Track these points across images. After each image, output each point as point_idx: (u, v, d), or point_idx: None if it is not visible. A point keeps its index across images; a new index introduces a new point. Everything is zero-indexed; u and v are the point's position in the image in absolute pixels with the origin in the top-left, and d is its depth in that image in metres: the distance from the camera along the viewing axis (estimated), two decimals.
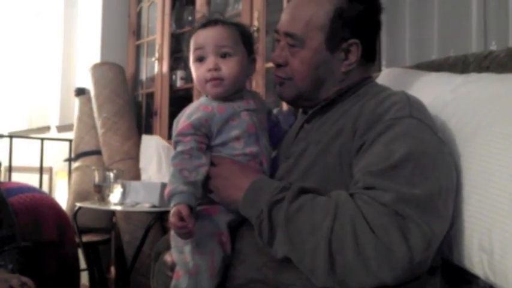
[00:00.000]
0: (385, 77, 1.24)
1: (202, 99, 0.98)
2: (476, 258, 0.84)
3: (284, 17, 1.00)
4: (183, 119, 0.94)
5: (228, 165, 0.92)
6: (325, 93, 0.98)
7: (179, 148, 0.91)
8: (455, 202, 0.87)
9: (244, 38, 0.97)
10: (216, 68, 0.94)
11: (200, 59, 0.95)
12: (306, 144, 0.94)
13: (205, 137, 0.93)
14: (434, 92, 1.04)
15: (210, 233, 0.90)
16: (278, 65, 1.00)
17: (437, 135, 0.86)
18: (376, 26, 1.00)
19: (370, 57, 1.00)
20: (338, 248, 0.76)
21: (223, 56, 0.94)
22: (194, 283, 0.88)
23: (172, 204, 0.87)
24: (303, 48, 0.96)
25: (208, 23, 0.96)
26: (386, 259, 0.74)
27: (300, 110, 1.07)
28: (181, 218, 0.84)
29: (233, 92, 0.96)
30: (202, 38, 0.95)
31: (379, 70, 1.33)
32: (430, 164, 0.80)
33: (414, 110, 0.86)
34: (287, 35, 0.97)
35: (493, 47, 1.63)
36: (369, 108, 0.88)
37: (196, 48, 0.95)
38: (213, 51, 0.94)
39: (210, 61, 0.94)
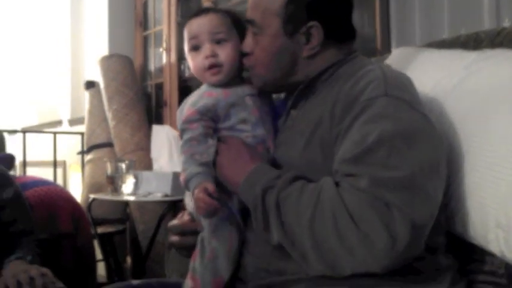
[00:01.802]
0: (395, 57, 1.22)
1: (204, 87, 0.98)
2: (492, 235, 0.83)
3: (248, 3, 0.98)
4: (187, 107, 0.94)
5: (237, 145, 0.92)
6: (295, 79, 0.96)
7: (187, 135, 0.92)
8: (467, 179, 0.85)
9: (236, 23, 0.97)
10: (213, 55, 0.94)
11: (196, 48, 0.95)
12: (293, 134, 0.93)
13: (211, 121, 0.93)
14: (447, 69, 1.02)
15: (227, 218, 0.90)
16: (246, 54, 0.97)
17: (417, 109, 0.82)
18: (342, 4, 0.96)
19: (343, 36, 0.96)
20: (321, 235, 0.76)
21: (218, 42, 0.94)
22: (212, 267, 0.89)
23: (192, 187, 0.87)
24: (262, 35, 0.94)
25: (199, 11, 0.97)
26: (369, 249, 0.73)
27: (282, 95, 1.05)
28: (209, 195, 0.84)
29: (232, 77, 0.97)
30: (195, 27, 0.95)
31: (389, 51, 1.31)
32: (408, 143, 0.77)
33: (390, 87, 0.83)
34: (248, 22, 0.96)
35: (506, 24, 1.60)
36: (345, 91, 0.86)
37: (190, 38, 0.95)
38: (208, 39, 0.94)
39: (206, 48, 0.94)
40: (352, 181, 0.77)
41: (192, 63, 0.96)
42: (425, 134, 0.81)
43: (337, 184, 0.79)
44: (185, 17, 1.01)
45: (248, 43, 0.96)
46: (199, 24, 0.95)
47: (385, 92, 0.82)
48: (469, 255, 0.91)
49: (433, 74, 0.98)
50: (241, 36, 0.97)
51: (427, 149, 0.79)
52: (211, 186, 0.85)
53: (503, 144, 0.83)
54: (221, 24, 0.95)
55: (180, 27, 2.76)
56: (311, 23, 0.91)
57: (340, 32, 0.95)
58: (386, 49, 1.73)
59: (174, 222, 1.01)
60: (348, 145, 0.80)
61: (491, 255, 0.86)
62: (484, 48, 1.07)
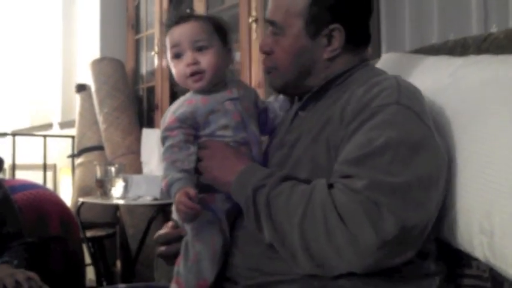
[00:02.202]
0: (384, 62, 1.23)
1: (188, 95, 1.00)
2: (476, 240, 0.83)
3: (269, 4, 1.00)
4: (169, 115, 0.96)
5: (221, 148, 0.93)
6: (312, 81, 0.97)
7: (168, 143, 0.93)
8: (453, 185, 0.86)
9: (218, 29, 0.98)
10: (195, 62, 0.95)
11: (178, 56, 0.96)
12: (299, 133, 0.94)
13: (191, 128, 0.94)
14: (434, 76, 1.03)
15: (210, 221, 0.91)
16: (265, 53, 1.00)
17: (425, 122, 0.84)
18: (364, 9, 0.98)
19: (360, 41, 0.98)
20: (311, 235, 0.76)
21: (200, 49, 0.95)
22: (195, 271, 0.89)
23: (174, 192, 0.88)
24: (284, 36, 0.95)
25: (180, 19, 0.97)
26: (355, 248, 0.74)
27: (296, 97, 1.07)
28: (189, 199, 0.85)
29: (215, 83, 0.98)
30: (177, 35, 0.96)
31: (379, 56, 1.32)
32: (411, 153, 0.79)
33: (402, 96, 0.84)
34: (270, 22, 0.97)
35: (493, 30, 1.61)
36: (357, 95, 0.87)
37: (172, 46, 0.96)
38: (189, 47, 0.95)
39: (188, 56, 0.95)
40: (348, 182, 0.77)
41: (175, 70, 0.97)
42: (430, 147, 0.82)
43: (331, 185, 0.80)
44: (167, 24, 1.02)
45: (267, 43, 0.98)
46: (180, 33, 0.96)
47: (396, 101, 0.83)
48: (455, 259, 0.92)
49: (420, 80, 0.99)
50: (223, 41, 0.99)
51: (430, 161, 0.81)
52: (192, 191, 0.86)
53: (488, 151, 0.84)
54: (202, 31, 0.96)
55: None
56: (334, 25, 0.93)
57: (359, 37, 0.97)
58: (376, 54, 1.74)
59: (160, 232, 1.01)
60: (352, 147, 0.81)
61: (477, 259, 0.87)
62: (471, 54, 1.09)
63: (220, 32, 0.99)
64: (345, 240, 0.74)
